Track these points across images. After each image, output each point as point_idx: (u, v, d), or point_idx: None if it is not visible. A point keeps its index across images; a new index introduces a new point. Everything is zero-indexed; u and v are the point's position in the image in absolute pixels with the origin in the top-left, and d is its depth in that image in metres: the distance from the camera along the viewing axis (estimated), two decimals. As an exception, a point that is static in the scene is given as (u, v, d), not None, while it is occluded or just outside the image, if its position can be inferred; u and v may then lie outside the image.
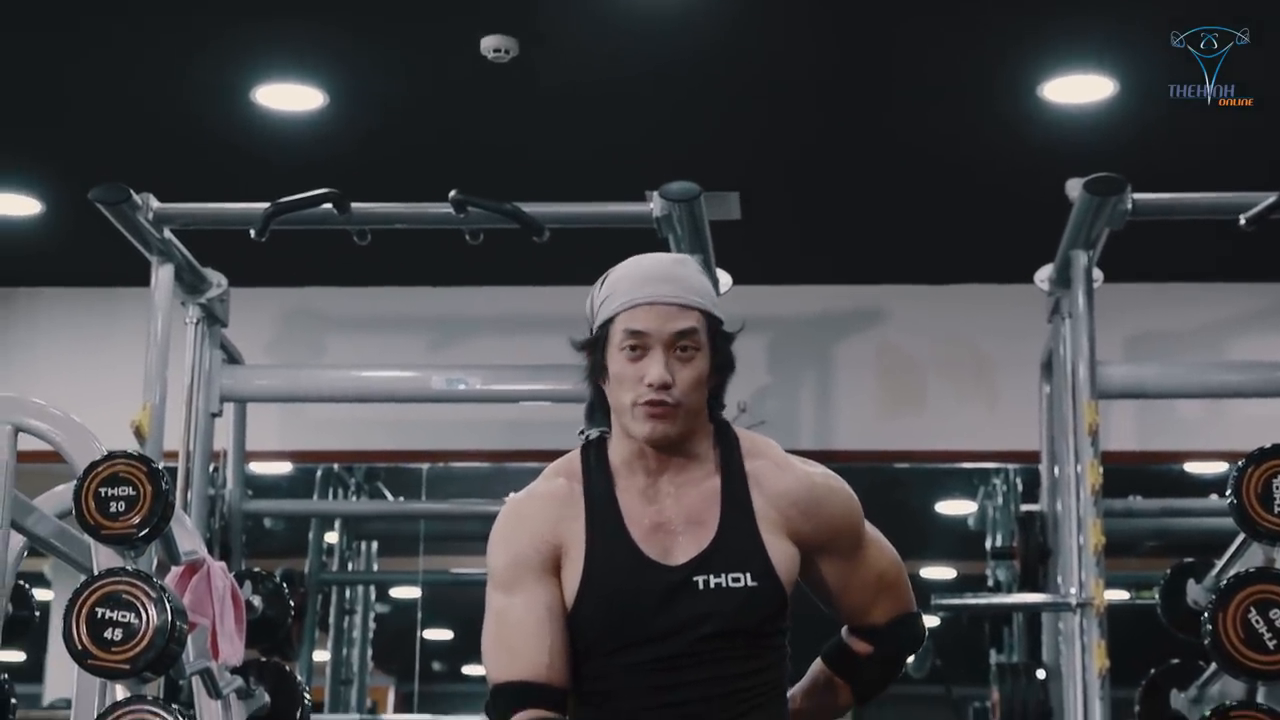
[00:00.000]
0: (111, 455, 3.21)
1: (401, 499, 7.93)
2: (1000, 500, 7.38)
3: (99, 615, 3.08)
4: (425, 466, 7.38)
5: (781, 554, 2.76)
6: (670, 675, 2.73)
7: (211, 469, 5.83)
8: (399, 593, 8.45)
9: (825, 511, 2.81)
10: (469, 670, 13.12)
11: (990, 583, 7.10)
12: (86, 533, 3.22)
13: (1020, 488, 7.15)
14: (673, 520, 2.78)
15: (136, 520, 3.19)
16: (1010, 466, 7.10)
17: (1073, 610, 5.08)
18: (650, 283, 2.77)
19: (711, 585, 2.72)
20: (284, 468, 7.66)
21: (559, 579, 2.77)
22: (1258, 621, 3.04)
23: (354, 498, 7.74)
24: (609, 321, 2.77)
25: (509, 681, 2.73)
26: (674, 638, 2.72)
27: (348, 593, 7.90)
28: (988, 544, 7.36)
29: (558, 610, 2.75)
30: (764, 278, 6.77)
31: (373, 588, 8.13)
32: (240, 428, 6.21)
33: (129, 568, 3.15)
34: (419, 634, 7.86)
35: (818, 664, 2.97)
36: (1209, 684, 3.78)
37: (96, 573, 3.16)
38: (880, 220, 6.54)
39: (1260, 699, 3.14)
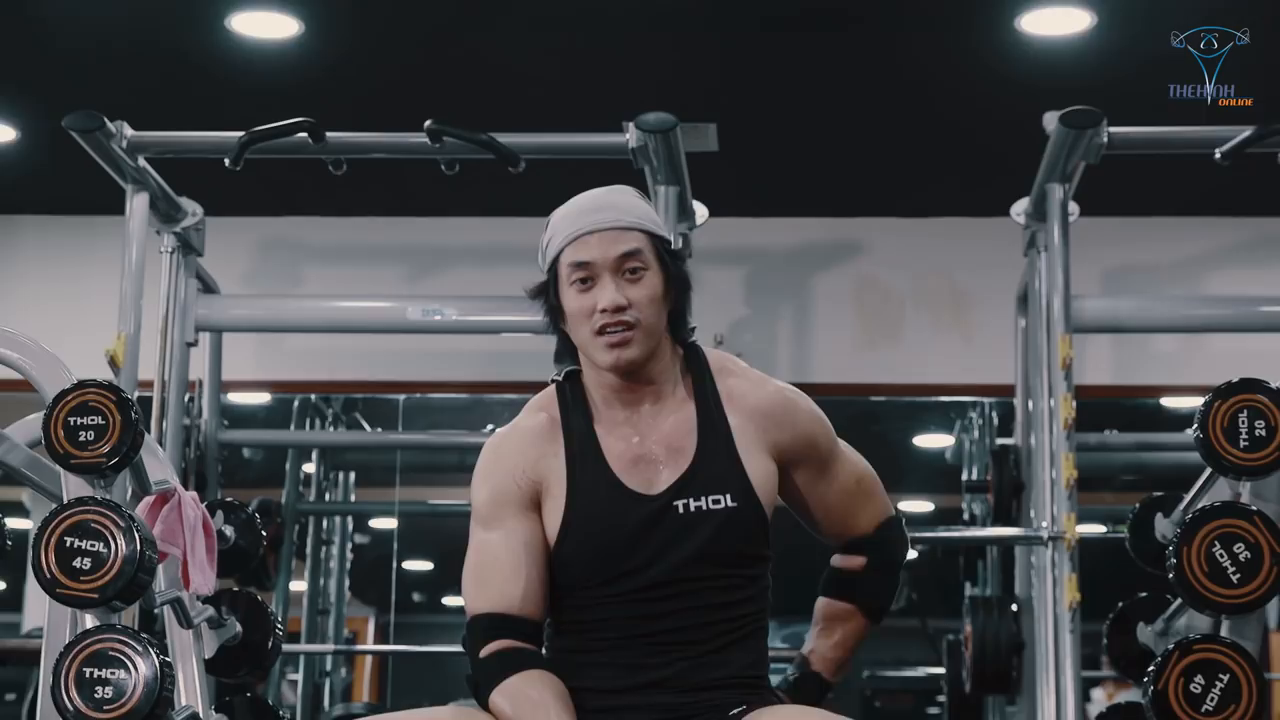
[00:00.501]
0: (81, 384, 3.19)
1: (379, 430, 7.93)
2: (976, 434, 7.39)
3: (68, 544, 3.06)
4: (402, 397, 7.38)
5: (760, 472, 2.81)
6: (651, 605, 2.76)
7: (187, 399, 5.82)
8: (379, 524, 8.46)
9: (799, 420, 2.87)
10: (449, 601, 13.17)
11: (966, 516, 7.12)
12: (55, 462, 3.20)
13: (996, 422, 7.17)
14: (652, 450, 2.83)
15: (106, 449, 3.17)
16: (986, 400, 7.11)
17: (1044, 544, 5.10)
18: (586, 214, 2.83)
19: (692, 508, 2.77)
20: (262, 398, 7.66)
21: (539, 514, 2.83)
22: (1222, 555, 3.05)
23: (331, 428, 7.74)
24: (555, 261, 2.81)
25: (484, 613, 2.78)
26: (656, 564, 2.76)
27: (325, 523, 7.91)
28: (964, 478, 7.38)
29: (536, 545, 2.81)
30: (742, 210, 6.77)
31: (350, 519, 8.14)
32: (216, 357, 6.19)
33: (98, 497, 3.14)
34: (394, 565, 7.87)
35: (820, 602, 3.02)
36: (1175, 617, 3.80)
37: (66, 502, 3.15)
38: (859, 153, 6.53)
39: (1224, 632, 3.16)
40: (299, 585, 7.69)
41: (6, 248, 7.13)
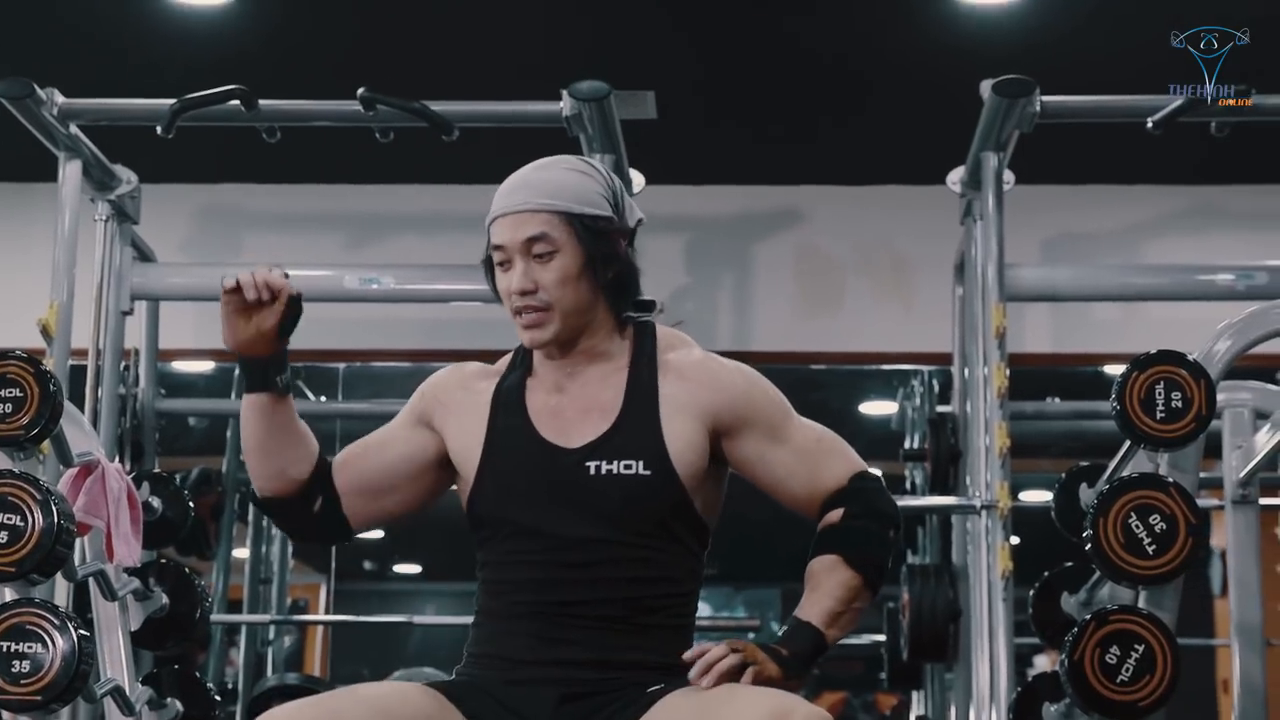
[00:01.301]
0: (-2, 356, 3.19)
1: (323, 399, 7.91)
2: (918, 402, 7.40)
3: (-16, 518, 3.07)
4: (342, 366, 7.36)
5: (683, 441, 2.77)
6: (562, 570, 2.75)
7: (123, 368, 5.80)
8: (330, 492, 8.42)
9: (735, 382, 2.83)
10: (400, 569, 13.16)
11: (909, 484, 7.13)
12: (-28, 434, 3.20)
13: (937, 390, 7.18)
14: (574, 407, 2.82)
15: (25, 421, 3.17)
16: (926, 369, 7.12)
17: (977, 512, 5.12)
18: (504, 195, 2.84)
19: (603, 471, 2.75)
20: (206, 366, 7.63)
21: (426, 434, 2.88)
22: (1138, 527, 3.08)
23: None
24: (488, 243, 2.81)
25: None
26: (566, 525, 2.75)
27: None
28: (906, 446, 7.39)
29: (391, 447, 2.88)
30: (682, 178, 6.76)
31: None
32: (153, 326, 6.16)
33: (15, 470, 3.14)
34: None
35: (809, 568, 2.84)
36: (1097, 587, 3.82)
37: (-17, 474, 3.15)
38: (798, 120, 6.53)
39: (1142, 604, 3.18)
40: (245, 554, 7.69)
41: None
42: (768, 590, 12.97)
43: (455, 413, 2.87)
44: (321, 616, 8.54)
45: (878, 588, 2.80)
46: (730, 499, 2.91)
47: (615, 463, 2.75)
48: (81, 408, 5.43)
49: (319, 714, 2.58)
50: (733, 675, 2.63)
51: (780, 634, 2.81)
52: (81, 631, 3.06)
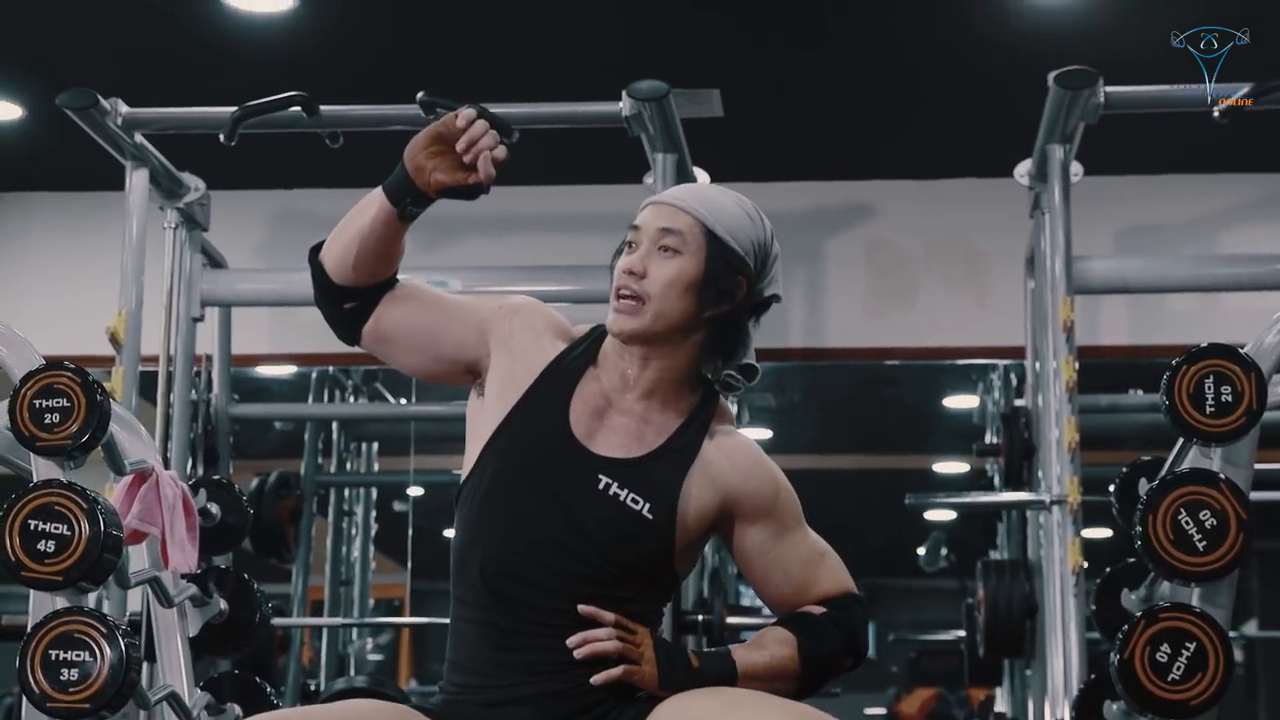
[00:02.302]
0: (46, 367, 3.20)
1: (403, 401, 7.95)
2: (997, 396, 7.35)
3: (31, 527, 3.08)
4: (414, 369, 7.37)
5: (697, 505, 2.74)
6: (525, 560, 2.69)
7: (196, 374, 5.84)
8: (416, 492, 8.48)
9: (761, 473, 2.81)
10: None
11: (993, 479, 7.08)
12: (22, 444, 3.22)
13: (1015, 384, 7.13)
14: (613, 419, 2.78)
15: (73, 430, 3.18)
16: (1003, 363, 7.06)
17: (1047, 507, 5.08)
18: (669, 190, 2.85)
19: (611, 492, 2.71)
20: (287, 370, 7.68)
21: (473, 336, 2.83)
22: (1187, 523, 3.02)
23: (352, 399, 7.75)
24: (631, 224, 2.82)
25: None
26: (550, 515, 2.70)
27: (348, 494, 7.93)
28: (986, 440, 7.34)
29: (437, 318, 2.86)
30: (751, 175, 6.69)
31: (374, 489, 8.16)
32: (225, 332, 6.21)
33: (63, 480, 3.15)
34: (409, 534, 7.87)
35: (763, 630, 2.82)
36: (1156, 584, 3.77)
37: (30, 485, 3.17)
38: (868, 115, 6.49)
39: (1195, 600, 3.13)
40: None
41: (18, 225, 7.16)
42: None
43: (511, 352, 2.81)
44: (395, 619, 8.58)
45: (805, 692, 2.75)
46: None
47: (626, 492, 2.71)
48: (154, 414, 5.50)
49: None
50: (609, 660, 2.64)
51: (703, 650, 2.80)
52: (130, 640, 3.07)
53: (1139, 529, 3.03)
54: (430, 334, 2.85)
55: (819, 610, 2.80)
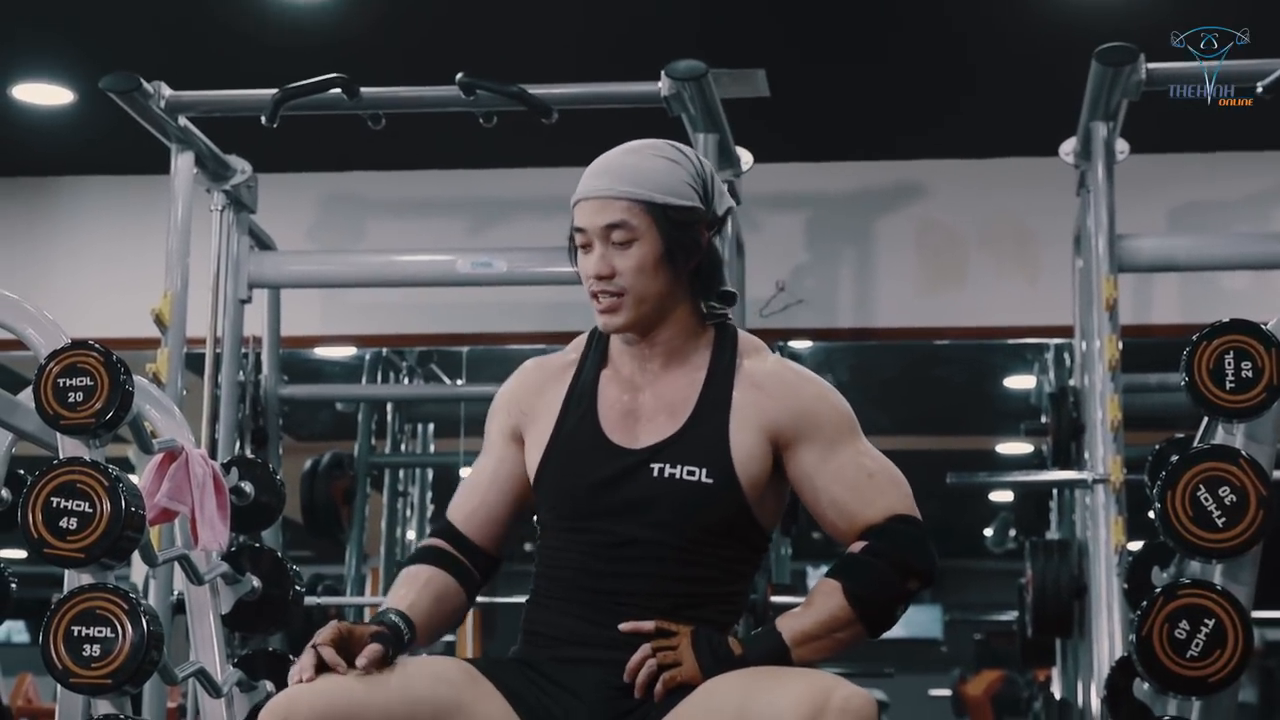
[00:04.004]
0: (70, 346, 3.23)
1: (458, 382, 7.96)
2: (1051, 375, 7.31)
3: (54, 505, 3.11)
4: (465, 349, 7.40)
5: (748, 452, 2.75)
6: (610, 563, 2.76)
7: (244, 355, 5.87)
8: (468, 473, 8.48)
9: (802, 395, 2.81)
10: (530, 548, 13.20)
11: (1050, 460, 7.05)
12: (46, 423, 3.24)
13: (1068, 363, 7.09)
14: (644, 407, 2.82)
15: (96, 408, 3.21)
16: (1053, 342, 7.02)
17: (1090, 486, 5.05)
18: (588, 178, 2.82)
19: (666, 474, 2.74)
20: (347, 351, 7.72)
21: (520, 448, 2.88)
22: (1207, 499, 3.00)
23: (406, 381, 7.78)
24: (571, 223, 2.82)
25: (445, 518, 2.95)
26: (621, 520, 2.76)
27: (401, 475, 7.96)
28: (1041, 420, 7.31)
29: (503, 476, 2.90)
30: (800, 155, 6.72)
31: (429, 470, 8.19)
32: (275, 313, 6.24)
33: (86, 458, 3.18)
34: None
35: (813, 586, 2.81)
36: (1184, 561, 3.74)
37: (52, 463, 3.20)
38: (918, 93, 6.45)
39: (1217, 577, 3.11)
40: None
41: (70, 209, 7.22)
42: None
43: (533, 419, 2.87)
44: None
45: (877, 627, 2.73)
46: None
47: (679, 467, 2.74)
48: (201, 394, 5.54)
49: (330, 687, 2.60)
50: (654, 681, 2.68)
51: (751, 633, 2.84)
52: (154, 616, 3.09)
53: (1158, 505, 3.01)
54: (516, 497, 2.90)
55: (859, 546, 2.76)
